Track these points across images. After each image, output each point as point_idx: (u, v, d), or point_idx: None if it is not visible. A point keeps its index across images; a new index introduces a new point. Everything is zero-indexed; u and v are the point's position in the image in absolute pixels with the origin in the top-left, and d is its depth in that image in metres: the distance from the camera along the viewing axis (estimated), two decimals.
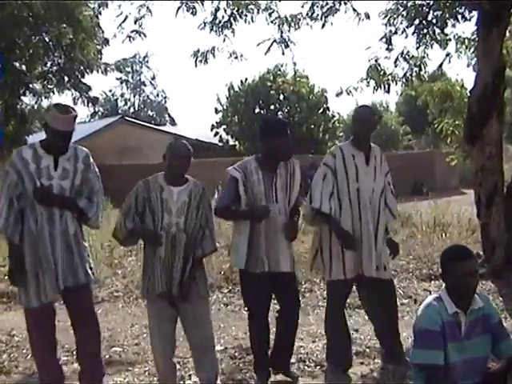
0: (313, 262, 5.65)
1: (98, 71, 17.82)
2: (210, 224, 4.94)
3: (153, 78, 66.54)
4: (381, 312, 5.67)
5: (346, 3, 9.62)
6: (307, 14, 9.80)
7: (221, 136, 36.78)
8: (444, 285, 4.05)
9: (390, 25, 10.27)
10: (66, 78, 17.38)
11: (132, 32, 9.58)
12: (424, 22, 10.21)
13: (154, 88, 67.21)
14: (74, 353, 5.90)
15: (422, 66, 10.76)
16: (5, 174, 4.68)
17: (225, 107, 36.86)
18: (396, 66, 10.63)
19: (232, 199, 5.14)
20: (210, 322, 5.04)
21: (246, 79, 36.38)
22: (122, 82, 65.04)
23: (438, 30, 10.36)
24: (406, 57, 10.60)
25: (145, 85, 66.29)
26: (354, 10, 9.59)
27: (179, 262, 4.72)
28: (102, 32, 17.51)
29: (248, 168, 5.16)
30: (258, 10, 9.79)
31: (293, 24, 9.86)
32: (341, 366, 5.52)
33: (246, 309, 5.45)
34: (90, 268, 4.90)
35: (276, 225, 5.12)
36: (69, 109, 4.72)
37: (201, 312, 4.92)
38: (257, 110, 35.85)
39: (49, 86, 17.43)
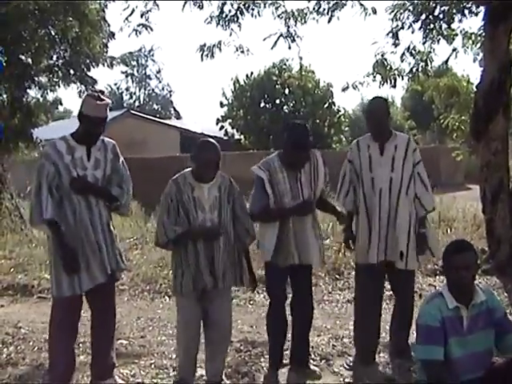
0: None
1: (103, 65, 17.79)
2: (245, 210, 5.09)
3: (158, 72, 66.57)
4: (395, 302, 5.77)
5: None
6: (314, 9, 9.79)
7: (226, 130, 36.78)
8: (445, 280, 4.09)
9: (396, 20, 10.25)
10: (72, 72, 17.33)
11: (138, 26, 9.58)
12: (431, 16, 10.19)
13: (160, 82, 67.25)
14: (81, 345, 5.98)
15: (429, 61, 10.74)
16: (41, 167, 4.78)
17: (230, 101, 36.84)
18: (402, 61, 10.62)
19: (266, 199, 5.20)
20: (231, 315, 5.18)
21: (252, 73, 36.36)
22: (127, 76, 65.08)
23: (444, 25, 10.34)
24: (413, 52, 10.58)
25: (150, 78, 66.33)
26: (361, 4, 9.58)
27: (220, 255, 4.84)
28: (108, 26, 17.46)
29: (272, 166, 5.24)
30: (265, 4, 9.79)
31: (299, 18, 9.85)
32: (365, 354, 5.62)
33: (268, 299, 5.55)
34: (121, 255, 5.04)
35: (304, 219, 5.23)
36: (102, 96, 4.87)
37: (225, 304, 5.06)
38: (262, 104, 35.83)
39: (54, 80, 17.40)
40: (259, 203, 5.20)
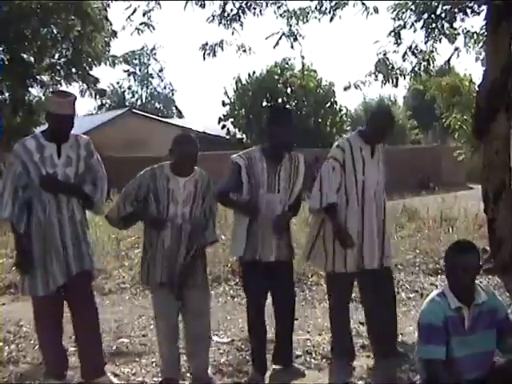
0: (309, 253, 5.68)
1: (105, 63, 17.83)
2: (213, 214, 5.01)
3: (160, 71, 66.61)
4: (378, 301, 5.61)
5: None
6: (316, 8, 9.78)
7: (228, 129, 36.75)
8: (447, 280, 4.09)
9: (398, 19, 10.23)
10: (74, 70, 17.39)
11: (141, 24, 9.58)
12: (433, 16, 10.17)
13: (162, 80, 67.36)
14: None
15: (431, 61, 10.72)
16: (9, 165, 4.77)
17: (232, 100, 36.82)
18: (404, 60, 10.59)
19: (233, 186, 5.15)
20: (209, 313, 5.10)
21: (254, 72, 36.35)
22: (129, 75, 65.08)
23: (446, 25, 10.31)
24: (415, 51, 10.55)
25: (152, 77, 66.32)
26: (363, 3, 9.57)
27: (183, 252, 4.81)
28: (110, 24, 17.52)
29: (252, 156, 5.19)
30: (267, 3, 9.78)
31: (301, 17, 9.83)
32: (345, 358, 5.57)
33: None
34: (93, 255, 5.03)
35: (274, 214, 5.13)
36: (65, 92, 4.88)
37: (200, 302, 4.97)
38: (264, 104, 35.82)
39: (56, 78, 17.45)
40: (226, 185, 5.17)
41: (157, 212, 4.79)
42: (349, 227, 5.38)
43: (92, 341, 5.03)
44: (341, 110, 36.80)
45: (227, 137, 36.55)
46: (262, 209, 5.09)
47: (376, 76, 10.55)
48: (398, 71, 10.61)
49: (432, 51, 10.64)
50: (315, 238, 5.58)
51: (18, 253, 4.79)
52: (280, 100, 35.67)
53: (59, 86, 17.58)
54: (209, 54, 9.85)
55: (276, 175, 5.16)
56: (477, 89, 9.85)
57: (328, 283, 5.77)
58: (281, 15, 9.85)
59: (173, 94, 67.64)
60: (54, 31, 16.87)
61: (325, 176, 5.39)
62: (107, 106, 59.78)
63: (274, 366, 5.47)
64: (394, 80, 10.62)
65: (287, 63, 36.07)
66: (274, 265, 5.16)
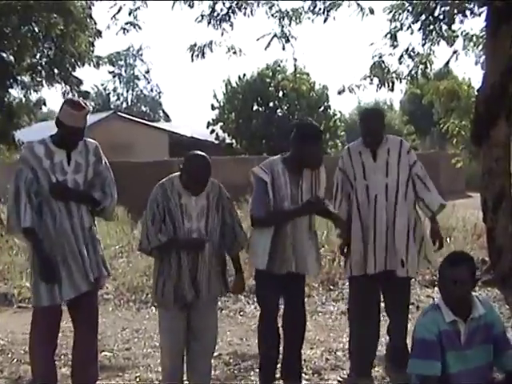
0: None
1: (89, 64, 17.75)
2: (234, 218, 5.02)
3: (147, 72, 66.73)
4: (391, 313, 5.70)
5: None
6: (309, 8, 9.82)
7: (217, 134, 36.72)
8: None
9: (394, 20, 10.28)
10: (56, 71, 17.30)
11: (126, 24, 9.58)
12: (430, 17, 10.22)
13: (148, 82, 67.40)
14: (62, 357, 5.96)
15: (428, 64, 10.77)
16: (18, 172, 4.77)
17: (222, 104, 36.84)
18: (401, 64, 10.65)
19: (268, 203, 5.14)
20: (217, 327, 5.12)
21: (245, 75, 36.39)
22: (114, 76, 65.15)
23: (444, 27, 10.36)
24: (411, 54, 10.61)
25: (138, 79, 66.43)
26: (358, 4, 9.61)
27: (205, 267, 4.80)
28: (95, 23, 17.46)
29: (275, 169, 5.18)
30: (258, 3, 9.81)
31: (294, 18, 9.87)
32: (362, 367, 5.60)
33: (258, 310, 5.53)
34: (104, 262, 5.04)
35: (302, 227, 5.20)
36: (81, 105, 4.84)
37: (210, 315, 5.00)
38: (255, 107, 35.86)
39: (37, 79, 17.37)
40: (264, 207, 5.13)
41: (173, 231, 4.76)
42: (352, 231, 5.50)
43: (91, 353, 5.06)
44: (335, 115, 36.91)
45: (216, 142, 36.55)
46: (288, 224, 5.15)
47: (371, 79, 10.60)
48: (394, 75, 10.67)
49: (429, 54, 10.70)
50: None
51: (41, 262, 4.70)
52: (271, 104, 35.74)
53: (40, 87, 17.50)
54: (197, 55, 9.87)
55: (299, 188, 5.20)
56: (476, 93, 9.90)
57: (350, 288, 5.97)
58: (273, 15, 9.89)
59: (160, 97, 67.85)
60: (36, 29, 16.81)
61: (334, 189, 5.67)
62: (91, 108, 59.77)
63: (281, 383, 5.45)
64: (390, 84, 10.67)
65: (279, 66, 36.16)
66: (290, 276, 5.20)
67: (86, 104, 4.90)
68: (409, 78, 10.86)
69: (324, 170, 5.37)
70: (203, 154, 4.88)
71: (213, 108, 37.29)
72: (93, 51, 17.72)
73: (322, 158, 5.28)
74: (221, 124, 36.48)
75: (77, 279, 4.76)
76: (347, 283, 7.10)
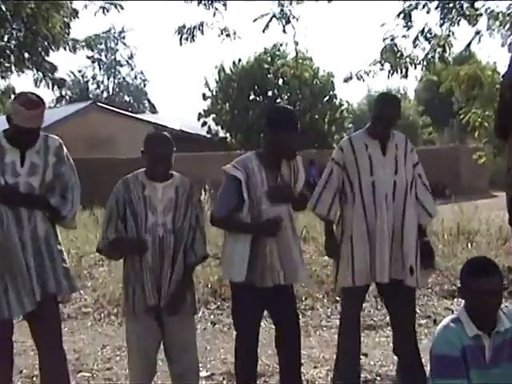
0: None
1: (65, 48, 17.69)
2: (200, 224, 4.95)
3: (130, 58, 66.68)
4: (399, 326, 5.69)
5: None
6: None
7: (209, 126, 36.80)
8: (463, 303, 4.06)
9: None
10: (27, 56, 17.25)
11: (106, 2, 9.57)
12: None
13: (132, 69, 67.38)
14: (35, 379, 5.94)
15: (447, 47, 10.76)
16: None
17: (214, 93, 36.87)
18: (415, 47, 10.64)
19: (235, 205, 5.02)
20: (196, 345, 5.04)
21: (240, 60, 36.41)
22: (93, 62, 65.12)
23: (466, 4, 10.34)
24: (428, 35, 10.60)
25: (121, 65, 66.41)
26: None
27: (168, 269, 4.75)
28: (71, 2, 17.42)
29: (249, 166, 5.07)
30: None
31: None
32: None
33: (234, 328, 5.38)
34: (67, 276, 4.91)
35: (284, 231, 5.09)
36: (34, 102, 4.64)
37: (187, 333, 4.92)
38: (251, 97, 35.88)
39: (6, 64, 17.32)
40: (226, 207, 5.04)
41: (135, 225, 4.73)
42: (354, 234, 5.43)
43: (58, 375, 4.99)
44: (341, 105, 36.97)
45: (208, 136, 36.58)
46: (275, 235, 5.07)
47: (382, 65, 10.60)
48: (407, 59, 10.66)
49: (448, 35, 10.68)
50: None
51: None
52: (270, 93, 35.77)
53: (9, 73, 17.45)
54: (187, 38, 9.86)
55: (277, 185, 5.12)
56: (501, 79, 9.89)
57: (341, 299, 5.90)
58: None
59: (145, 85, 67.85)
60: (3, 8, 16.74)
61: (322, 179, 5.57)
62: (67, 98, 59.73)
63: None
64: (404, 70, 10.67)
65: (278, 50, 36.22)
66: (274, 288, 5.07)
67: (41, 100, 4.70)
68: (425, 62, 10.86)
69: (301, 161, 5.32)
70: (163, 132, 5.00)
71: (204, 98, 37.32)
72: (68, 33, 17.66)
73: (298, 146, 5.18)
74: (213, 116, 36.52)
75: (23, 296, 4.65)
76: None
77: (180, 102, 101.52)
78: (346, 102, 37.88)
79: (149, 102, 66.51)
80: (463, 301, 4.08)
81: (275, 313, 5.27)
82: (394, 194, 5.40)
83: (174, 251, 4.77)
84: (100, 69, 65.91)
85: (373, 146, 5.45)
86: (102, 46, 64.00)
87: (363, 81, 10.77)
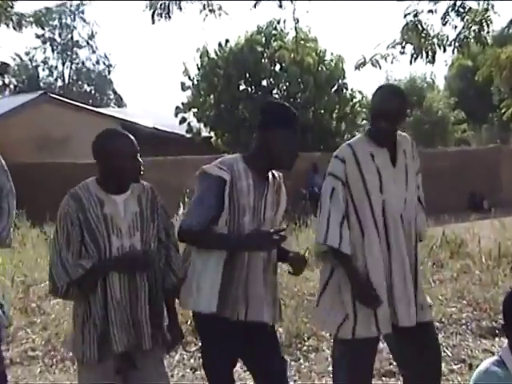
0: (316, 310, 5.67)
1: (7, 25, 17.70)
2: (172, 237, 4.99)
3: (91, 38, 66.71)
4: (419, 365, 5.59)
5: None
6: None
7: (190, 124, 36.73)
8: (507, 341, 4.06)
9: None
10: None
11: None
12: None
13: (93, 52, 67.52)
14: None
15: (484, 24, 10.78)
16: None
17: (195, 82, 36.82)
18: (445, 24, 10.67)
19: (214, 213, 4.95)
20: None
21: (227, 42, 36.33)
22: (44, 42, 65.12)
23: None
24: (460, 10, 10.63)
25: (79, 46, 66.45)
26: None
27: (144, 301, 4.73)
28: None
29: (235, 168, 5.04)
30: None
31: None
32: None
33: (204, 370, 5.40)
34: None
35: (259, 256, 5.07)
36: None
37: (158, 378, 4.90)
38: (242, 87, 35.88)
39: None
40: (205, 217, 4.94)
41: (97, 253, 4.66)
42: (370, 272, 5.34)
43: None
44: (353, 97, 36.91)
45: (188, 135, 36.55)
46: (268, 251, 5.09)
47: (403, 47, 10.64)
48: (435, 40, 10.69)
49: (487, 9, 10.70)
50: (323, 287, 5.56)
51: None
52: (265, 82, 35.78)
53: None
54: (161, 14, 9.88)
55: (263, 198, 5.12)
56: None
57: (340, 353, 5.63)
58: None
59: (109, 72, 68.01)
60: None
61: (324, 203, 5.42)
62: (12, 87, 59.72)
63: None
64: (430, 53, 10.69)
65: (275, 29, 36.22)
66: (256, 326, 5.07)
67: None
68: (456, 44, 10.87)
69: (283, 184, 5.35)
70: (118, 129, 4.95)
71: (183, 88, 37.26)
72: (12, 6, 17.66)
73: (297, 153, 5.16)
74: (194, 110, 36.46)
75: None
76: None
77: (153, 93, 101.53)
78: (359, 92, 37.85)
79: (114, 92, 66.65)
80: (507, 340, 4.08)
81: (253, 355, 5.26)
82: (405, 213, 5.39)
83: (147, 278, 4.76)
84: (53, 51, 65.99)
85: (380, 155, 5.39)
86: (56, 23, 64.01)
87: (379, 67, 10.80)
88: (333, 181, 5.37)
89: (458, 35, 10.78)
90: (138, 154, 4.80)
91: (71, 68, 66.60)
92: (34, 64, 65.52)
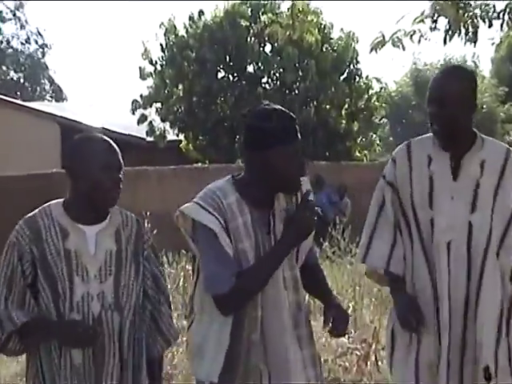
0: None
1: None
2: (163, 291, 5.02)
3: (18, 8, 66.73)
4: None
5: None
6: None
7: (151, 123, 36.59)
8: None
9: None
10: None
11: None
12: None
13: (22, 27, 67.44)
14: None
15: None
16: None
17: (159, 68, 36.75)
18: None
19: (233, 264, 4.87)
20: None
21: (201, 14, 36.35)
22: None
23: None
24: None
25: (2, 19, 66.46)
26: None
27: (113, 369, 4.71)
28: None
29: (224, 204, 4.93)
30: None
31: None
32: None
33: None
34: None
35: (281, 309, 5.04)
36: None
37: None
38: (221, 74, 35.88)
39: None
40: (226, 275, 4.84)
41: (53, 299, 4.64)
42: (419, 296, 5.42)
43: None
44: (368, 87, 36.86)
45: (149, 139, 36.50)
46: (258, 298, 4.99)
47: (435, 21, 10.68)
48: (477, 11, 10.75)
49: None
50: (391, 340, 5.65)
51: None
52: (251, 68, 35.79)
53: None
54: None
55: (270, 234, 5.05)
56: None
57: None
58: None
59: (43, 55, 67.85)
60: None
61: (371, 211, 5.55)
62: None
63: None
64: (470, 28, 10.75)
65: None
66: None
67: None
68: (506, 16, 10.93)
69: (310, 188, 5.24)
70: (101, 135, 4.84)
71: (143, 76, 37.14)
72: None
73: (305, 168, 5.12)
74: (157, 106, 36.37)
75: None
76: None
77: (102, 83, 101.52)
78: (377, 81, 37.82)
79: (51, 82, 66.58)
80: None
81: None
82: (469, 243, 5.31)
83: (120, 340, 4.74)
84: None
85: (440, 160, 5.38)
86: None
87: (403, 48, 10.83)
88: (384, 186, 5.52)
89: (508, 5, 10.85)
90: (122, 168, 4.77)
91: None
92: None
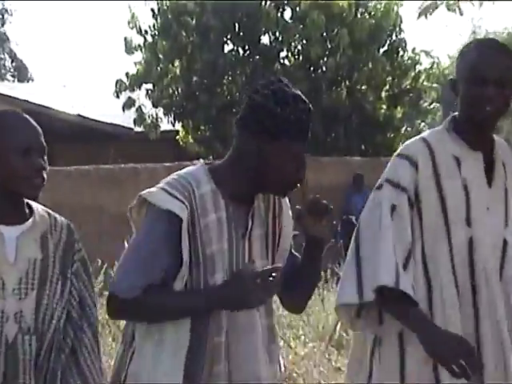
0: None
1: None
2: (89, 313, 4.99)
3: None
4: None
5: None
6: None
7: (140, 109, 36.64)
8: None
9: None
10: None
11: None
12: None
13: None
14: None
15: None
16: None
17: (150, 39, 36.76)
18: None
19: (162, 272, 4.85)
20: None
21: None
22: None
23: None
24: None
25: None
26: None
27: None
28: None
29: (196, 193, 4.92)
30: None
31: None
32: None
33: None
34: None
35: (252, 318, 5.07)
36: None
37: None
38: (228, 47, 35.90)
39: None
40: (146, 275, 4.80)
41: None
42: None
43: None
44: (416, 63, 36.87)
45: (139, 129, 36.55)
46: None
47: None
48: None
49: None
50: (369, 372, 5.60)
51: None
52: (266, 39, 35.83)
53: None
54: None
55: (246, 236, 5.07)
56: None
57: None
58: None
59: (3, 24, 68.16)
60: None
61: (372, 229, 5.35)
62: None
63: None
64: None
65: None
66: None
67: None
68: None
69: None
70: (19, 112, 4.84)
71: (129, 49, 37.12)
72: None
73: (304, 172, 5.06)
74: (148, 87, 36.40)
75: None
76: None
77: (78, 58, 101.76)
78: (427, 55, 37.88)
79: (13, 57, 66.93)
80: None
81: None
82: (501, 264, 5.33)
83: (37, 369, 4.75)
84: None
85: (471, 162, 5.33)
86: None
87: (460, 13, 10.85)
88: (393, 193, 5.29)
89: None
90: (45, 152, 4.74)
91: None
92: None
